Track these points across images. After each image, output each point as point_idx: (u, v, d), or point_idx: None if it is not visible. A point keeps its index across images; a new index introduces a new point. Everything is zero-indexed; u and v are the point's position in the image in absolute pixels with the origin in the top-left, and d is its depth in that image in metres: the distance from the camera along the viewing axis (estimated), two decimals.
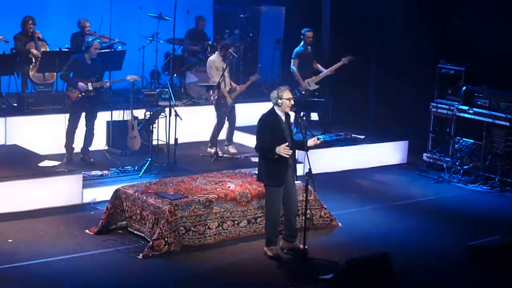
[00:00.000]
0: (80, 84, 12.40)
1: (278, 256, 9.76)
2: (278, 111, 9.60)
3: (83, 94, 12.46)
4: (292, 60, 14.75)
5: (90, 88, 12.47)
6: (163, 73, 16.17)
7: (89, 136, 12.87)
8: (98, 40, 12.66)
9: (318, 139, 9.86)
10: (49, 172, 11.60)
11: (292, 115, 10.08)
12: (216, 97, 13.55)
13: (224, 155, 13.79)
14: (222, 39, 16.38)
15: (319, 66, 14.87)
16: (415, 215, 11.90)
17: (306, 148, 9.59)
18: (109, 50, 15.28)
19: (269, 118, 9.61)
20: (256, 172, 10.63)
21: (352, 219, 11.47)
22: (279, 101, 9.53)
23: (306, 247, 9.57)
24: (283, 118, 9.62)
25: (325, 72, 14.73)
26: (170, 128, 12.87)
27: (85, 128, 12.83)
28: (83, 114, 12.75)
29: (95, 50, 12.46)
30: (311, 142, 9.80)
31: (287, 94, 9.55)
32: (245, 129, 14.78)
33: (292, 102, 9.58)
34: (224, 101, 13.55)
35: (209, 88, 13.69)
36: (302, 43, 14.70)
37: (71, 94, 12.52)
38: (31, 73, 14.36)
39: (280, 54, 18.05)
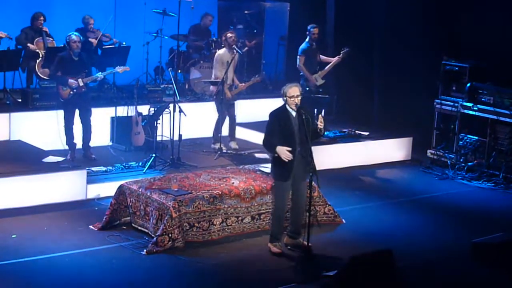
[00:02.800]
0: (71, 81, 12.39)
1: (282, 252, 9.76)
2: (288, 107, 9.60)
3: (74, 91, 12.46)
4: (298, 57, 14.59)
5: (81, 84, 12.48)
6: (167, 69, 16.15)
7: (86, 132, 12.85)
8: (77, 34, 12.60)
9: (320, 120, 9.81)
10: (53, 168, 11.62)
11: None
12: (216, 92, 13.55)
13: (228, 151, 13.79)
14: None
15: (322, 57, 14.74)
16: (419, 212, 11.90)
17: (312, 140, 9.55)
18: (113, 46, 15.29)
19: (278, 114, 9.62)
20: (260, 168, 10.75)
21: (356, 216, 11.47)
22: (284, 98, 9.55)
23: (309, 243, 9.57)
24: (294, 114, 9.60)
25: (328, 66, 14.60)
26: (174, 124, 12.86)
27: (81, 126, 12.82)
28: (77, 111, 12.74)
29: (74, 44, 12.40)
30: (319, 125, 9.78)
31: (291, 91, 9.51)
32: (249, 125, 14.79)
33: (298, 99, 9.54)
34: (223, 96, 13.53)
35: (214, 84, 13.69)
36: (307, 39, 14.59)
37: (62, 92, 12.49)
38: (37, 68, 14.37)
39: (285, 51, 18.04)
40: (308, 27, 14.56)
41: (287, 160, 9.39)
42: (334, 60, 14.57)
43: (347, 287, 8.36)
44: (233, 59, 13.61)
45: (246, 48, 16.79)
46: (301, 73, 14.58)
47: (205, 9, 16.97)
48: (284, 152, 9.37)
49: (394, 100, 15.65)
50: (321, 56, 14.73)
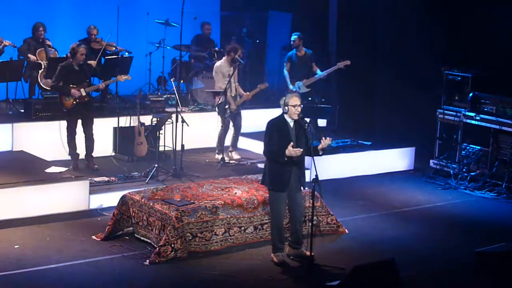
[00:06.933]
0: (73, 90, 12.41)
1: (285, 262, 9.75)
2: (287, 117, 9.61)
3: (77, 100, 12.47)
4: (284, 63, 14.88)
5: (84, 93, 12.49)
6: (169, 79, 16.18)
7: (89, 142, 12.85)
8: (83, 46, 12.63)
9: (325, 138, 9.77)
10: (55, 178, 11.60)
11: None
12: (219, 102, 13.56)
13: (230, 161, 13.79)
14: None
15: (317, 69, 14.74)
16: (421, 222, 11.89)
17: (312, 154, 9.59)
18: (116, 56, 15.30)
19: (276, 124, 9.64)
20: None
21: (358, 226, 11.46)
22: (285, 108, 9.56)
23: (312, 253, 9.56)
24: (292, 124, 9.61)
25: (317, 75, 14.63)
26: (177, 134, 12.88)
27: (84, 135, 12.82)
28: (79, 121, 12.74)
29: (81, 56, 12.43)
30: (322, 145, 9.76)
31: (293, 101, 9.55)
32: (252, 135, 14.79)
33: (299, 109, 9.56)
34: (226, 107, 13.53)
35: (216, 94, 13.69)
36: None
37: (65, 102, 12.51)
38: (39, 79, 14.39)
39: None
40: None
41: (297, 155, 9.38)
42: (320, 74, 14.55)
43: None
44: (235, 69, 13.62)
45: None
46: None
47: (208, 19, 16.98)
48: (291, 150, 9.35)
49: (397, 110, 15.66)
50: (316, 68, 14.66)
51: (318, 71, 14.60)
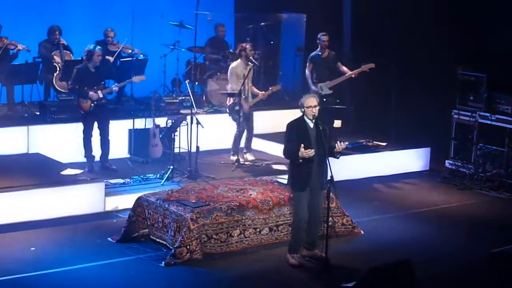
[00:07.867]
0: (91, 93, 12.45)
1: (300, 263, 9.75)
2: (306, 118, 9.62)
3: (95, 103, 12.52)
4: (307, 64, 14.73)
5: (101, 95, 12.54)
6: (184, 81, 16.19)
7: (105, 144, 12.88)
8: (99, 47, 12.67)
9: (340, 143, 9.77)
10: (71, 180, 11.65)
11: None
12: (232, 104, 13.56)
13: (245, 163, 13.79)
14: None
15: (344, 68, 14.58)
16: (437, 222, 11.86)
17: (327, 155, 9.58)
18: (131, 58, 15.34)
19: (296, 124, 9.65)
20: (278, 179, 10.75)
21: (374, 227, 11.44)
22: (302, 109, 9.57)
23: (327, 255, 9.53)
24: (311, 125, 9.60)
25: (340, 78, 14.50)
26: (192, 136, 12.89)
27: (100, 137, 12.86)
28: (95, 123, 12.78)
29: (98, 58, 12.48)
30: (337, 149, 9.74)
31: (309, 101, 9.55)
32: (266, 137, 14.78)
33: (315, 109, 9.55)
34: (238, 108, 13.51)
35: (230, 96, 13.70)
36: (318, 48, 14.58)
37: (83, 104, 12.55)
38: (54, 81, 14.44)
39: (301, 62, 18.02)
40: (318, 35, 14.53)
41: (308, 156, 9.37)
42: (342, 77, 14.41)
43: None
44: (249, 71, 13.62)
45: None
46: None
47: (222, 21, 16.99)
48: (304, 152, 9.34)
49: (412, 111, 15.61)
50: (343, 67, 14.50)
51: (345, 69, 14.44)
